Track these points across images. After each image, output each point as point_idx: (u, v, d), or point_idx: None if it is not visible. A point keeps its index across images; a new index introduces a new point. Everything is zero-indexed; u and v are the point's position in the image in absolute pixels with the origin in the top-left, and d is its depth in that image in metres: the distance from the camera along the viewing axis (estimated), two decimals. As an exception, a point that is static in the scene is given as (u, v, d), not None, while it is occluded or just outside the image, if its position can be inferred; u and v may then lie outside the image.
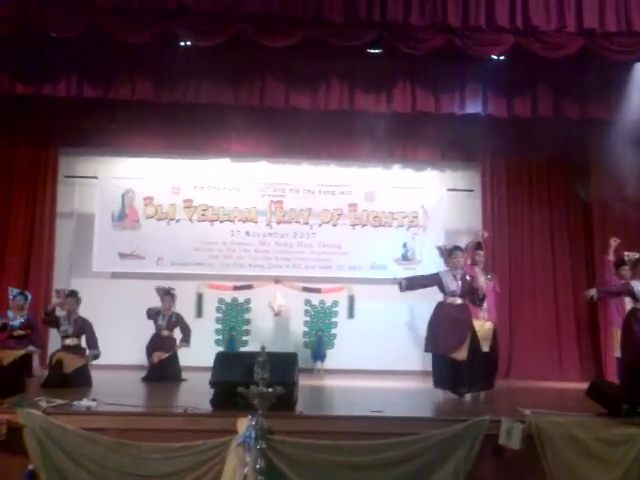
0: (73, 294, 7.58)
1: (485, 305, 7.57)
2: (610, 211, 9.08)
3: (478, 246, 8.43)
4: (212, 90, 7.81)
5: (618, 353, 7.56)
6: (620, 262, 7.65)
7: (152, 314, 8.30)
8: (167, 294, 8.39)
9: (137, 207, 9.87)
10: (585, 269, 9.63)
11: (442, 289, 6.92)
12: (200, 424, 4.86)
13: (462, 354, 6.65)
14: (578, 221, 9.78)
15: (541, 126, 8.75)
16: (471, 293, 6.98)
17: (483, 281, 7.94)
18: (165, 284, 8.74)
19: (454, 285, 6.87)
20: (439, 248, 7.38)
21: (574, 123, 8.51)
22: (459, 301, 6.89)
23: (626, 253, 7.59)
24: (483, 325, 7.32)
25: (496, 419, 4.84)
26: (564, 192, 9.85)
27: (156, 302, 8.41)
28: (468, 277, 7.02)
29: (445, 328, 6.78)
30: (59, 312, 7.47)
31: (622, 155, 8.17)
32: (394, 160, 10.18)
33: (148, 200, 9.88)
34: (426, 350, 6.96)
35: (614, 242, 7.98)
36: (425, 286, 7.07)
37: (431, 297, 7.31)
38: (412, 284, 6.97)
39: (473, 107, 7.87)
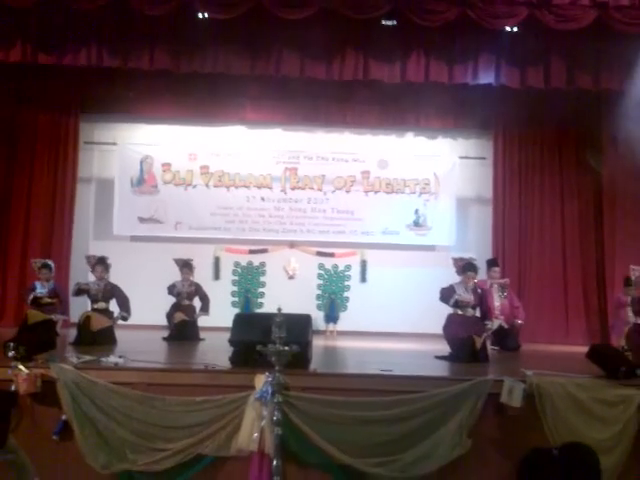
0: (102, 261, 7.80)
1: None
2: (620, 181, 9.17)
3: (493, 263, 8.56)
4: (229, 60, 7.89)
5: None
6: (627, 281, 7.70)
7: (173, 292, 8.45)
8: (185, 265, 8.53)
9: (155, 173, 10.10)
10: (594, 237, 9.73)
11: (455, 302, 7.00)
12: (220, 380, 5.20)
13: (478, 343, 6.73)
14: (588, 190, 9.84)
15: (554, 96, 8.78)
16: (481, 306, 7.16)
17: (497, 299, 8.15)
18: (183, 250, 9.06)
19: (467, 296, 7.02)
20: (454, 259, 7.49)
21: (587, 94, 8.55)
22: (470, 312, 7.07)
23: (632, 267, 7.56)
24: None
25: (499, 379, 5.12)
26: (575, 161, 9.90)
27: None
28: (479, 290, 7.20)
29: (460, 326, 6.88)
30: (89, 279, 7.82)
31: (635, 126, 8.22)
32: (407, 128, 10.28)
33: (166, 166, 10.10)
34: (448, 343, 6.98)
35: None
36: (450, 298, 7.04)
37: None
38: (445, 299, 7.08)
39: (486, 78, 7.88)
